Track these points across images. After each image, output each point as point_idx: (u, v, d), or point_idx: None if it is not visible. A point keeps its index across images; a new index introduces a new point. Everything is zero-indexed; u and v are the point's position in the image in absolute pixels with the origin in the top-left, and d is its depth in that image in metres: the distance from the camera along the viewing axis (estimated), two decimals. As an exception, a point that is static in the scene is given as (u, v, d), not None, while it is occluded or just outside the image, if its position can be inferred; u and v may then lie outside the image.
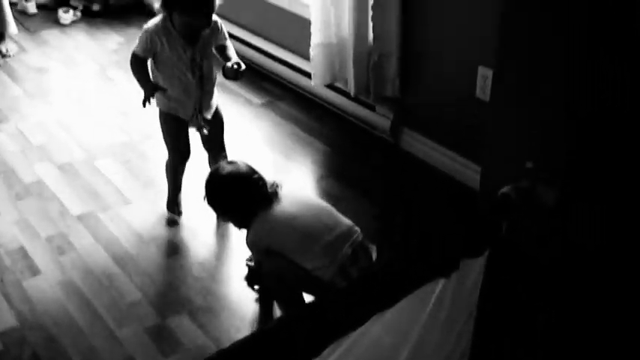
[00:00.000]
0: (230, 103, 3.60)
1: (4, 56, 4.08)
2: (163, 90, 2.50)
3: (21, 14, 4.67)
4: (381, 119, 3.21)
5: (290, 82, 3.69)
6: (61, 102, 3.59)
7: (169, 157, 2.70)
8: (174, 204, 2.76)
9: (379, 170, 3.07)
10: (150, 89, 2.49)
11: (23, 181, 2.96)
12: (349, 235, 2.13)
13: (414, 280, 1.32)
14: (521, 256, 1.59)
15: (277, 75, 3.76)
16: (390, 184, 2.98)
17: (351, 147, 3.25)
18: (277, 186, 2.25)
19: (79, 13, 4.62)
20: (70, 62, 4.04)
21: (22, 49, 4.21)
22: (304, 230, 2.12)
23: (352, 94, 3.12)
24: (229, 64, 2.52)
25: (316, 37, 3.12)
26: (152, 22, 2.48)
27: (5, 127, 3.37)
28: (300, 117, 3.47)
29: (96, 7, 4.67)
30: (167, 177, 2.75)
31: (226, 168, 2.29)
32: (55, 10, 4.61)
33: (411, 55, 2.97)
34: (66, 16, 4.55)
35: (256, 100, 3.63)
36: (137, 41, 2.49)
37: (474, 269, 1.44)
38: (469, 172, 2.85)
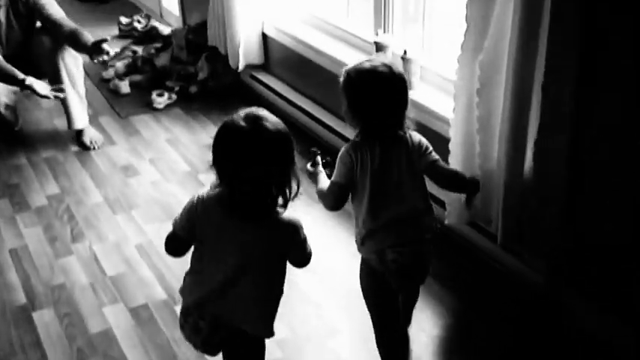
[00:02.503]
0: (344, 224, 3.00)
1: (89, 149, 3.67)
2: None
3: (112, 94, 4.30)
4: (531, 273, 2.52)
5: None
6: (144, 216, 3.09)
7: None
8: None
9: (523, 340, 2.37)
10: None
11: (89, 331, 2.44)
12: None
13: None
14: None
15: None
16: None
17: (485, 300, 2.57)
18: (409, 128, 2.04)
19: (174, 96, 4.19)
20: (160, 160, 3.57)
21: (109, 139, 3.79)
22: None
23: (499, 242, 2.44)
24: None
25: (455, 168, 2.48)
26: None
27: (79, 248, 2.90)
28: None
29: (193, 89, 4.22)
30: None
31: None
32: (149, 91, 4.20)
33: (581, 203, 2.27)
34: (160, 99, 4.12)
35: (370, 224, 3.01)
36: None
37: None
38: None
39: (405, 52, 2.96)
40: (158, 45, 4.71)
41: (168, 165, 3.53)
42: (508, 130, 2.27)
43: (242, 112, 1.65)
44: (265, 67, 4.14)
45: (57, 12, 3.55)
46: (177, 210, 1.83)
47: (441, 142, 2.68)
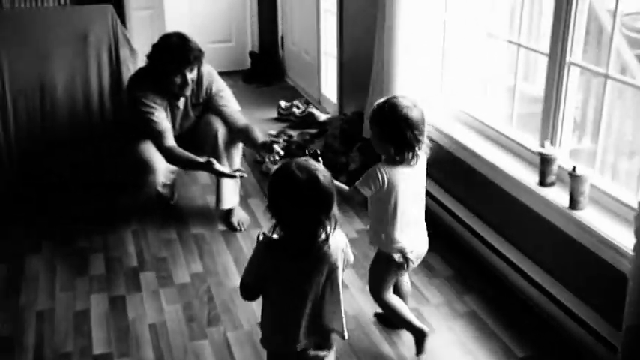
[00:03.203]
0: (486, 349, 2.76)
1: (235, 230, 3.72)
2: None
3: (264, 176, 4.37)
4: None
5: (569, 334, 2.76)
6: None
7: None
8: None
9: None
10: None
11: None
12: None
13: None
14: None
15: (555, 321, 2.84)
16: None
17: None
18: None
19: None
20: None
21: (255, 221, 3.82)
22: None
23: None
24: None
25: (632, 318, 2.20)
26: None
27: (213, 332, 2.87)
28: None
29: (342, 180, 4.16)
30: None
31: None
32: (299, 176, 4.24)
33: None
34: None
35: (518, 351, 2.75)
36: None
37: None
38: None
39: (574, 168, 2.76)
40: (313, 131, 4.78)
41: (310, 255, 3.47)
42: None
43: (295, 164, 1.90)
44: (418, 164, 4.05)
45: (233, 106, 3.68)
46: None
47: (612, 276, 2.45)
